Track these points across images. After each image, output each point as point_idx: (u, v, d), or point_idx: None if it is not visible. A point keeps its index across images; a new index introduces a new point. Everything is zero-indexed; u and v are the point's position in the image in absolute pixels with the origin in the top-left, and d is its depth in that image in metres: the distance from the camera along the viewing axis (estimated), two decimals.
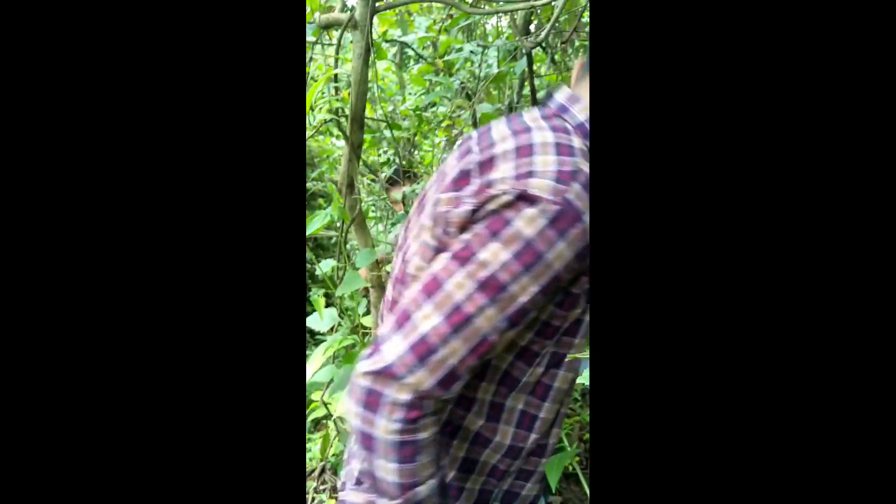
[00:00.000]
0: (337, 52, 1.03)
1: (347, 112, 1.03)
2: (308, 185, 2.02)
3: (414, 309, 0.48)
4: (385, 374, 0.46)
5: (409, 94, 1.81)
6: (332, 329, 1.29)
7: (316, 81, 1.27)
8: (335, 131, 2.07)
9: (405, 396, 0.46)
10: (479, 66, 1.20)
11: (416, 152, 1.89)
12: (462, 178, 0.51)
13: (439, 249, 0.51)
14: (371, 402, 0.47)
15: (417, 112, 1.36)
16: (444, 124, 1.89)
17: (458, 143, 0.61)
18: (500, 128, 0.55)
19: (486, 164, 0.50)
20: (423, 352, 0.46)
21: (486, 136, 0.55)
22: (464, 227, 0.49)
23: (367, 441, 0.47)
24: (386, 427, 0.47)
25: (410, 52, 1.92)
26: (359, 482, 0.59)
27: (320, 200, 2.43)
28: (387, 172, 1.61)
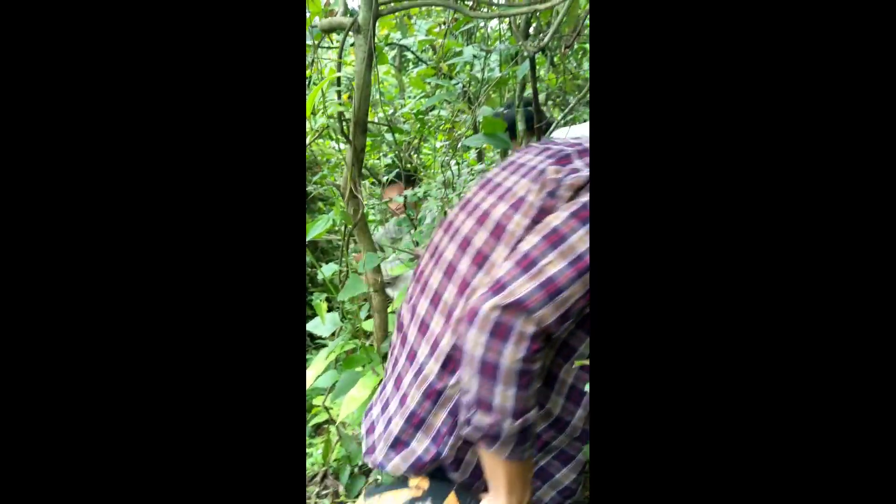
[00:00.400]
0: (340, 56, 1.03)
1: (349, 116, 1.02)
2: (308, 188, 2.01)
3: (539, 256, 0.55)
4: (516, 308, 0.52)
5: (409, 97, 1.81)
6: (333, 334, 1.28)
7: (316, 85, 1.27)
8: (335, 135, 2.07)
9: (531, 329, 0.52)
10: (483, 69, 1.20)
11: (416, 156, 1.88)
12: (563, 159, 0.62)
13: (544, 210, 0.59)
14: (500, 332, 0.52)
15: (419, 115, 1.36)
16: (444, 128, 1.88)
17: (524, 150, 0.71)
18: (569, 135, 0.66)
19: (583, 152, 0.61)
20: (552, 291, 0.53)
21: (561, 139, 0.66)
22: (577, 192, 0.58)
23: (491, 369, 0.52)
24: (512, 356, 0.52)
25: (410, 56, 1.92)
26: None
27: (320, 204, 2.42)
28: (388, 176, 1.61)
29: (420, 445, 0.61)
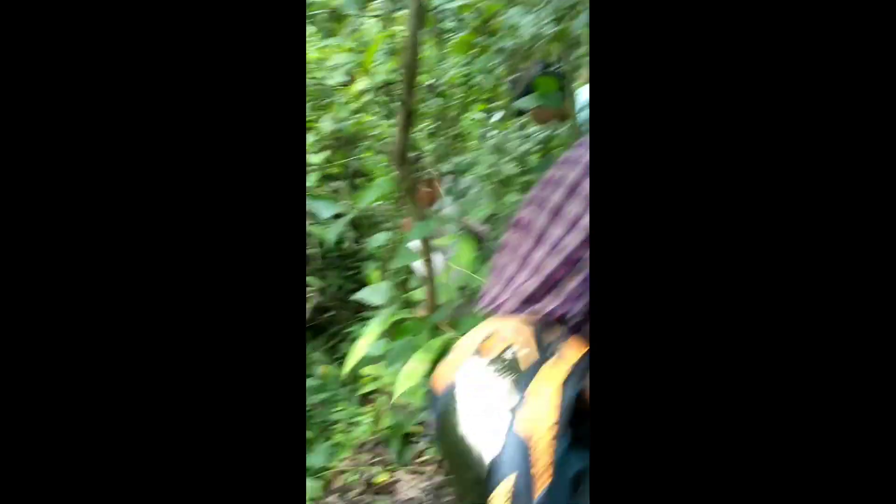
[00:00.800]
0: (386, 16, 1.00)
1: (398, 79, 1.00)
2: (349, 162, 2.01)
3: None
4: None
5: (449, 65, 1.76)
6: (383, 305, 1.29)
7: (358, 49, 1.24)
8: (375, 108, 2.05)
9: None
10: (538, 23, 1.15)
11: (456, 128, 1.84)
12: None
13: None
14: None
15: (466, 79, 1.32)
16: (484, 98, 1.83)
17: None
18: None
19: None
20: None
21: None
22: None
23: None
24: None
25: (449, 25, 1.87)
26: None
27: (360, 179, 2.42)
28: (430, 146, 1.58)
29: (549, 305, 0.67)
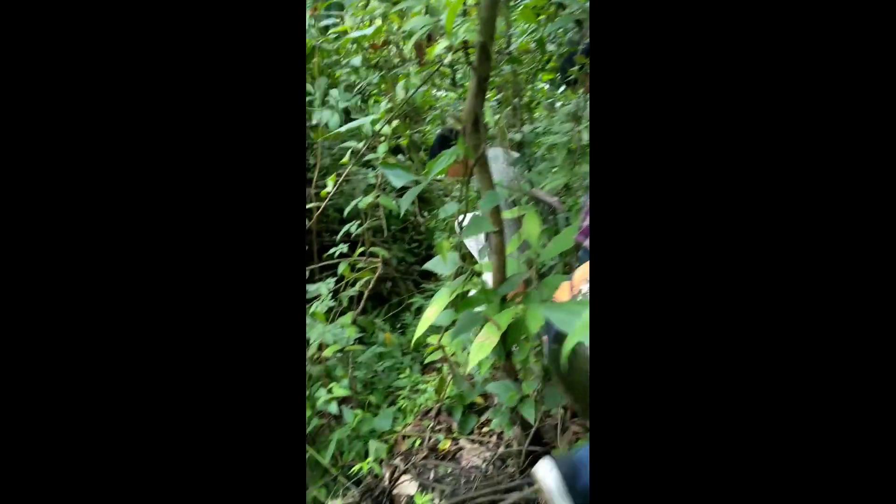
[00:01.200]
0: None
1: (472, 42, 0.97)
2: (413, 133, 2.01)
3: None
4: None
5: (517, 32, 1.70)
6: (448, 276, 1.29)
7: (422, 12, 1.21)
8: (437, 81, 2.02)
9: None
10: None
11: (523, 97, 1.79)
12: None
13: None
14: None
15: (540, 42, 1.27)
16: (552, 65, 1.76)
17: None
18: None
19: None
20: None
21: None
22: None
23: None
24: None
25: None
26: None
27: (422, 154, 2.43)
28: (499, 116, 1.55)
29: None
